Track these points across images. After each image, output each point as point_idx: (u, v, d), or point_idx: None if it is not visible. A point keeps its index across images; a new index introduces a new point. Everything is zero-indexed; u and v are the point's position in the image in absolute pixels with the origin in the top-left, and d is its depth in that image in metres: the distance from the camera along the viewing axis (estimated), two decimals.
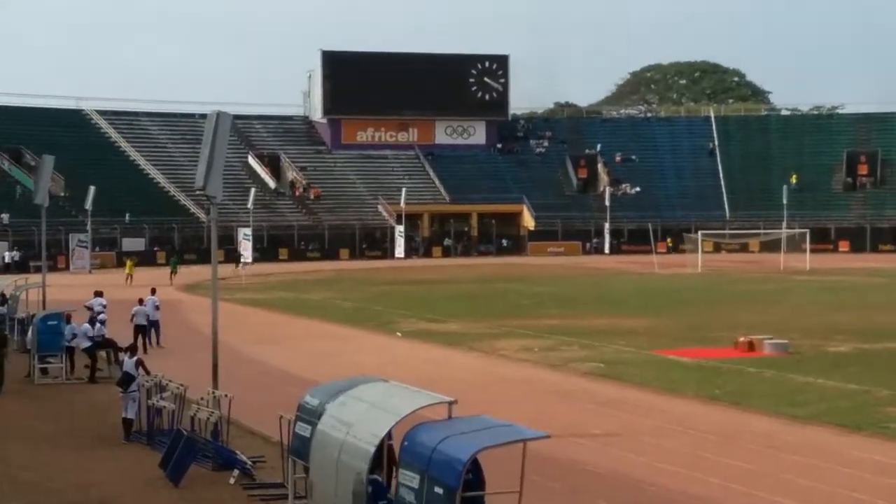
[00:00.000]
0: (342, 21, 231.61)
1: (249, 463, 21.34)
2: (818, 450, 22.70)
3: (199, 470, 21.24)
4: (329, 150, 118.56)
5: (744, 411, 26.96)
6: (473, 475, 14.84)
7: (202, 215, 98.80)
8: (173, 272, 73.97)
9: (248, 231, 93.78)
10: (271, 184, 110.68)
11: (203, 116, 25.27)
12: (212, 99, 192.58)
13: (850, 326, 43.12)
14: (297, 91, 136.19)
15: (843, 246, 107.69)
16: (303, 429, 17.85)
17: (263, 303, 58.49)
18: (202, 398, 23.44)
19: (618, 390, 30.24)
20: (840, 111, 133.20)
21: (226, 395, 23.00)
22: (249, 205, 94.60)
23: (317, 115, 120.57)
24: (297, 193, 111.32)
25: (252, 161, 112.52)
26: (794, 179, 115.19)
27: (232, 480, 20.62)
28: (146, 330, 39.07)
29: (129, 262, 75.57)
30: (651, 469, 21.31)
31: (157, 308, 40.30)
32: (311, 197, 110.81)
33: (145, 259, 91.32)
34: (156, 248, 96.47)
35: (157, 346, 39.16)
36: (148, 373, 25.47)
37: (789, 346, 36.71)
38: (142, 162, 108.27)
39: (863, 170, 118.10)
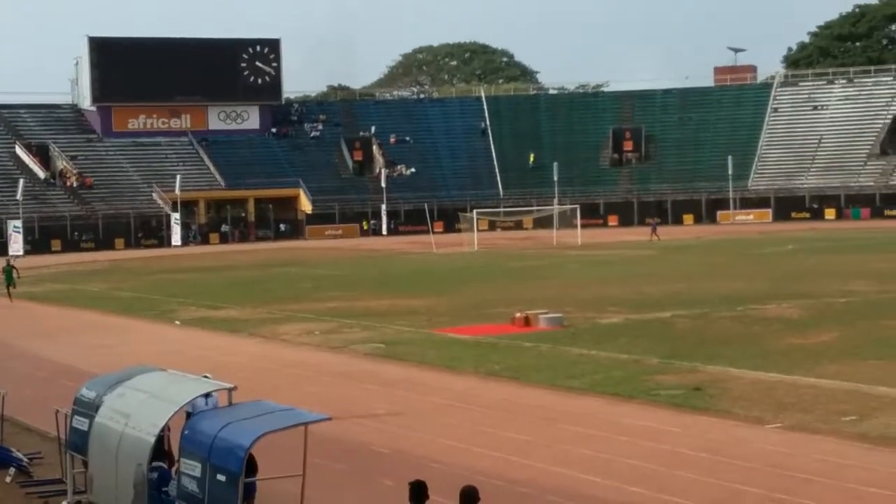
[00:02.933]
0: (109, 5, 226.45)
1: (26, 460, 20.86)
2: (594, 419, 23.38)
3: None
4: (100, 138, 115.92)
5: (522, 385, 27.57)
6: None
7: None
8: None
9: (18, 223, 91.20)
10: (41, 174, 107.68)
11: None
12: None
13: (620, 298, 44.43)
14: (64, 79, 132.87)
15: (613, 220, 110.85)
16: (80, 422, 17.57)
17: (36, 296, 57.02)
18: None
19: (399, 370, 30.54)
20: (605, 89, 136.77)
21: None
22: (18, 196, 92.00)
23: (86, 102, 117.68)
24: (69, 183, 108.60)
25: (20, 151, 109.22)
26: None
27: (8, 479, 20.13)
28: None
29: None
30: (434, 446, 21.63)
31: None
32: (84, 186, 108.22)
33: None
34: None
35: None
36: None
37: (564, 319, 37.61)
38: None
39: (628, 146, 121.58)
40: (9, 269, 56.83)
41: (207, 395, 16.27)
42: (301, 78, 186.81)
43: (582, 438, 21.72)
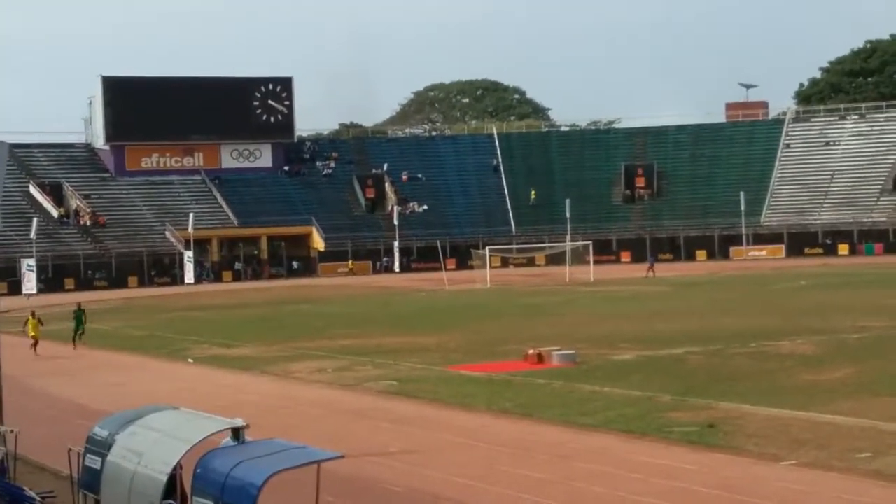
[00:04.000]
0: (123, 45, 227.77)
1: (39, 499, 20.80)
2: (607, 456, 23.30)
3: None
4: (113, 177, 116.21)
5: (535, 422, 27.50)
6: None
7: None
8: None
9: (32, 262, 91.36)
10: (54, 213, 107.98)
11: None
12: None
13: (633, 335, 44.34)
14: (77, 118, 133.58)
15: (625, 256, 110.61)
16: (93, 461, 17.55)
17: (50, 334, 56.95)
18: None
19: (412, 407, 30.49)
20: (616, 126, 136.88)
21: (11, 431, 22.39)
22: (32, 235, 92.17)
23: (99, 142, 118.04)
24: (82, 222, 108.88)
25: (33, 190, 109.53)
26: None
27: None
28: None
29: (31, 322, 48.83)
30: (447, 484, 21.57)
31: None
32: (97, 225, 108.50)
33: None
34: None
35: None
36: None
37: (577, 356, 37.55)
38: None
39: (640, 182, 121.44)
40: (79, 314, 50.83)
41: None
42: (316, 114, 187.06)
43: (595, 476, 21.64)
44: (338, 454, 15.59)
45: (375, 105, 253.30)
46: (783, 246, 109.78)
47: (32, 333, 47.91)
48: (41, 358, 46.57)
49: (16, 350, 44.60)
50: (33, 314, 49.35)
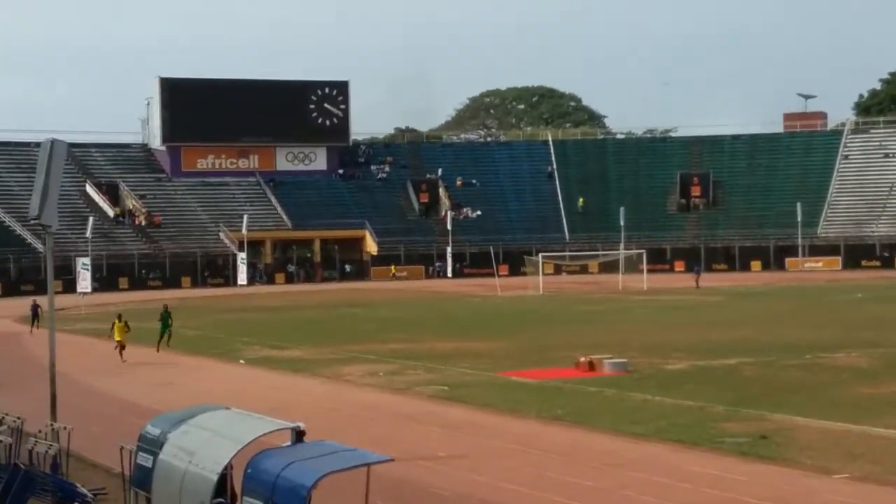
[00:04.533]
0: (182, 47, 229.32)
1: (90, 495, 20.96)
2: (658, 466, 23.16)
3: None
4: (169, 177, 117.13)
5: (585, 430, 27.38)
6: None
7: (39, 245, 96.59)
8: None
9: (87, 260, 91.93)
10: (110, 212, 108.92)
11: (38, 145, 24.92)
12: (48, 127, 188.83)
13: (686, 344, 44.08)
14: (135, 119, 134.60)
15: (679, 266, 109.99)
16: (144, 459, 17.64)
17: (103, 332, 57.43)
18: (40, 431, 22.96)
19: (462, 413, 30.44)
20: (672, 134, 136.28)
21: (65, 428, 22.58)
22: (88, 234, 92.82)
23: (156, 142, 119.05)
24: (137, 222, 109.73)
25: (90, 189, 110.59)
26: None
27: None
28: None
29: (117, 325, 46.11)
30: (495, 490, 21.51)
31: None
32: (152, 225, 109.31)
33: None
34: None
35: None
36: None
37: (629, 364, 37.38)
38: None
39: (696, 191, 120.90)
40: (166, 315, 48.60)
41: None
42: (374, 118, 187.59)
43: (646, 485, 21.51)
44: (387, 457, 15.60)
45: (433, 109, 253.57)
46: (840, 258, 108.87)
47: (118, 338, 45.02)
48: (100, 357, 46.89)
49: (70, 348, 45.02)
50: (119, 317, 46.32)
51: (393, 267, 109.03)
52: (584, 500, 20.38)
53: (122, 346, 44.71)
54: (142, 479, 17.70)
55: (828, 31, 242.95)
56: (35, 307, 59.47)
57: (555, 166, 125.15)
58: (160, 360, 44.88)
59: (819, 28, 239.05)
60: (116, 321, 45.87)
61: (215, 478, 15.47)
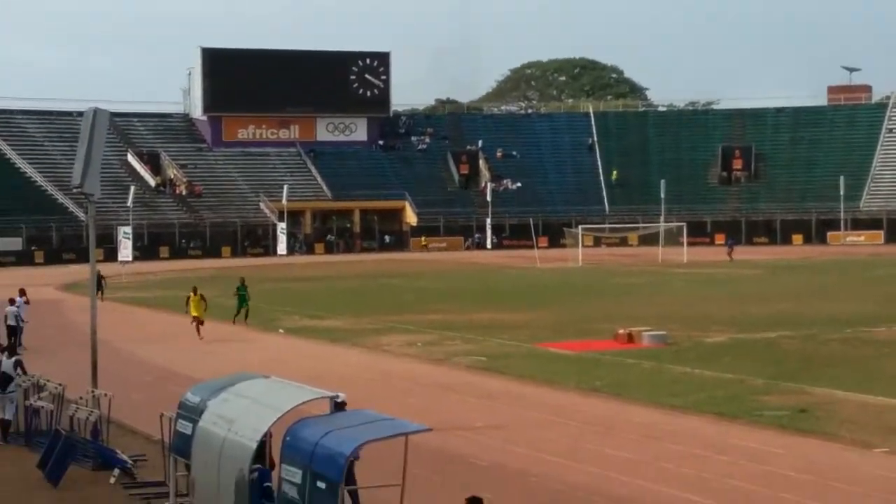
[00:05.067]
0: (223, 18, 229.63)
1: (130, 462, 21.14)
2: (696, 438, 23.13)
3: (78, 470, 20.99)
4: (210, 147, 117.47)
5: (623, 402, 27.36)
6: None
7: (81, 214, 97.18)
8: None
9: (128, 229, 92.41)
10: (151, 182, 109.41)
11: (80, 114, 24.94)
12: (91, 97, 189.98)
13: (726, 317, 43.93)
14: (176, 89, 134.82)
15: (720, 239, 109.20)
16: (184, 426, 17.75)
17: (144, 301, 57.90)
18: (81, 397, 23.16)
19: (500, 383, 30.48)
20: (715, 107, 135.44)
21: (105, 394, 22.76)
22: (129, 203, 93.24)
23: (197, 112, 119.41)
24: (178, 191, 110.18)
25: (131, 159, 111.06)
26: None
27: (112, 480, 20.42)
28: (16, 331, 38.18)
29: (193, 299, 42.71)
30: (533, 460, 21.54)
31: (20, 307, 39.08)
32: (193, 194, 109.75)
33: (22, 259, 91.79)
34: (33, 248, 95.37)
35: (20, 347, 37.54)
36: (25, 373, 25.07)
37: (668, 337, 37.29)
38: (18, 161, 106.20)
39: (737, 164, 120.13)
40: (243, 290, 46.02)
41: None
42: (415, 89, 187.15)
43: (684, 457, 21.49)
44: (425, 427, 15.63)
45: (475, 81, 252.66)
46: (882, 232, 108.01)
47: (195, 313, 41.70)
48: (132, 323, 47.15)
49: (111, 316, 45.28)
50: (195, 290, 42.79)
51: (423, 238, 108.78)
52: (621, 472, 20.37)
53: (199, 322, 41.55)
54: (181, 446, 17.82)
55: (874, 2, 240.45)
56: (100, 277, 54.26)
57: (595, 138, 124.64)
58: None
59: (865, 0, 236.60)
60: (192, 295, 42.39)
61: (254, 445, 15.56)
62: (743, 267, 76.30)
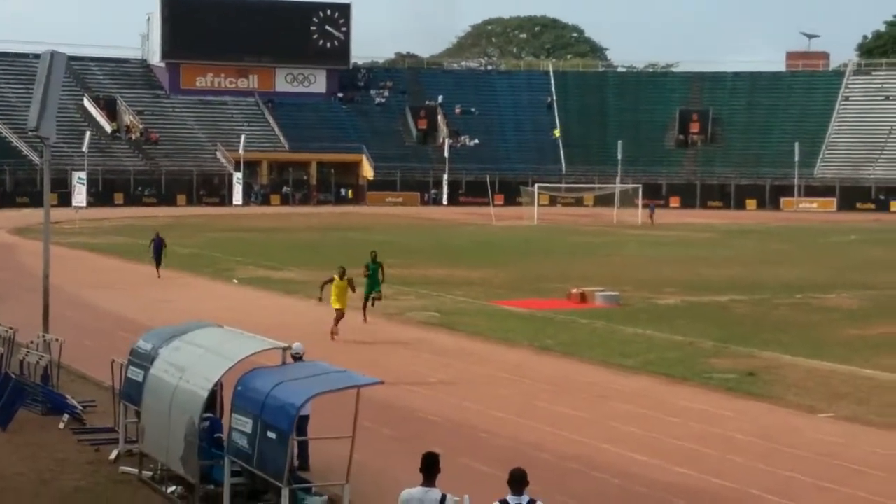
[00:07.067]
0: None
1: (80, 407, 21.09)
2: (646, 399, 23.30)
3: (27, 414, 20.91)
4: (167, 94, 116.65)
5: (575, 361, 27.52)
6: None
7: (35, 158, 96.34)
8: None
9: (83, 175, 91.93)
10: (107, 127, 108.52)
11: (37, 57, 24.57)
12: (48, 39, 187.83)
13: (678, 280, 44.22)
14: (135, 33, 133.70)
15: (674, 202, 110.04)
16: (135, 373, 17.76)
17: (97, 247, 57.56)
18: (32, 342, 23.07)
19: (453, 340, 30.57)
20: (674, 69, 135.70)
21: (56, 340, 22.68)
22: (84, 148, 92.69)
23: (155, 58, 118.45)
24: (134, 138, 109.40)
25: (87, 104, 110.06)
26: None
27: (62, 425, 20.36)
28: None
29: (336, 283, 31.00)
30: (484, 416, 21.65)
31: None
32: (149, 141, 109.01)
33: None
34: None
35: None
36: None
37: (620, 297, 37.51)
38: None
39: (694, 128, 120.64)
40: (375, 268, 33.59)
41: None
42: (375, 42, 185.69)
43: (633, 417, 21.66)
44: (377, 380, 15.70)
45: (439, 36, 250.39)
46: (835, 199, 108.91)
47: (337, 305, 30.47)
48: (85, 269, 46.89)
49: (63, 262, 44.95)
50: (343, 273, 31.12)
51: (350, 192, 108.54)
52: (571, 431, 20.52)
53: (339, 316, 30.49)
54: (132, 392, 17.82)
55: None
56: (159, 243, 45.35)
57: (554, 97, 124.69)
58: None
59: None
60: (337, 279, 30.94)
61: (205, 394, 15.57)
62: (696, 230, 76.62)
